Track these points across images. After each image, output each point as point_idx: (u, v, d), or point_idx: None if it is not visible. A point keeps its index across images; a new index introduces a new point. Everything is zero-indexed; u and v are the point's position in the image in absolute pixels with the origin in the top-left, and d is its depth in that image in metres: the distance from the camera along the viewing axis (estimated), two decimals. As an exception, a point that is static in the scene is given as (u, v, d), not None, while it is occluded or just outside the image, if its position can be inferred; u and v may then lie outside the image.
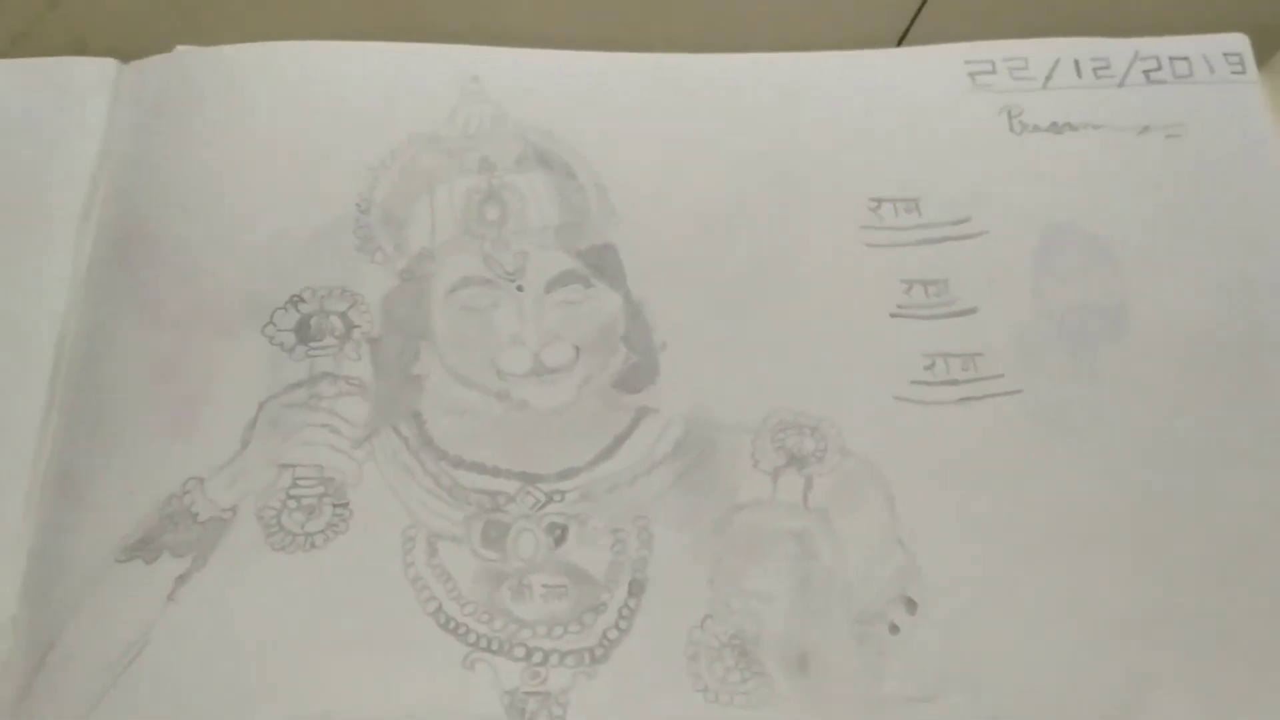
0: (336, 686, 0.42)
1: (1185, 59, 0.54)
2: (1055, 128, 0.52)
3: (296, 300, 0.48)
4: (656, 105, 0.52)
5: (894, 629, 0.43)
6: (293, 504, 0.45)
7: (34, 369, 0.47)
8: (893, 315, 0.48)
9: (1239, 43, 0.54)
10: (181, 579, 0.43)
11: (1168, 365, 0.47)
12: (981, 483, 0.45)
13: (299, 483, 0.45)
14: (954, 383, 0.47)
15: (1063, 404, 0.47)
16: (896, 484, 0.45)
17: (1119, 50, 0.54)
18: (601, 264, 0.49)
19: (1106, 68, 0.54)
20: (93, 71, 0.53)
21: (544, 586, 0.43)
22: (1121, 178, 0.51)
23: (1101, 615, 0.43)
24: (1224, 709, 0.42)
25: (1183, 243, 0.50)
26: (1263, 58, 0.54)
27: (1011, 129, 0.52)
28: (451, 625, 0.43)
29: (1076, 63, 0.54)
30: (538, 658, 0.43)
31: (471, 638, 0.43)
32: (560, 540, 0.44)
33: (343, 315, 0.48)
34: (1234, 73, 0.53)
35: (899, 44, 0.56)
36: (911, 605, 0.43)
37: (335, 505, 0.45)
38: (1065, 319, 0.48)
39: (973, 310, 0.49)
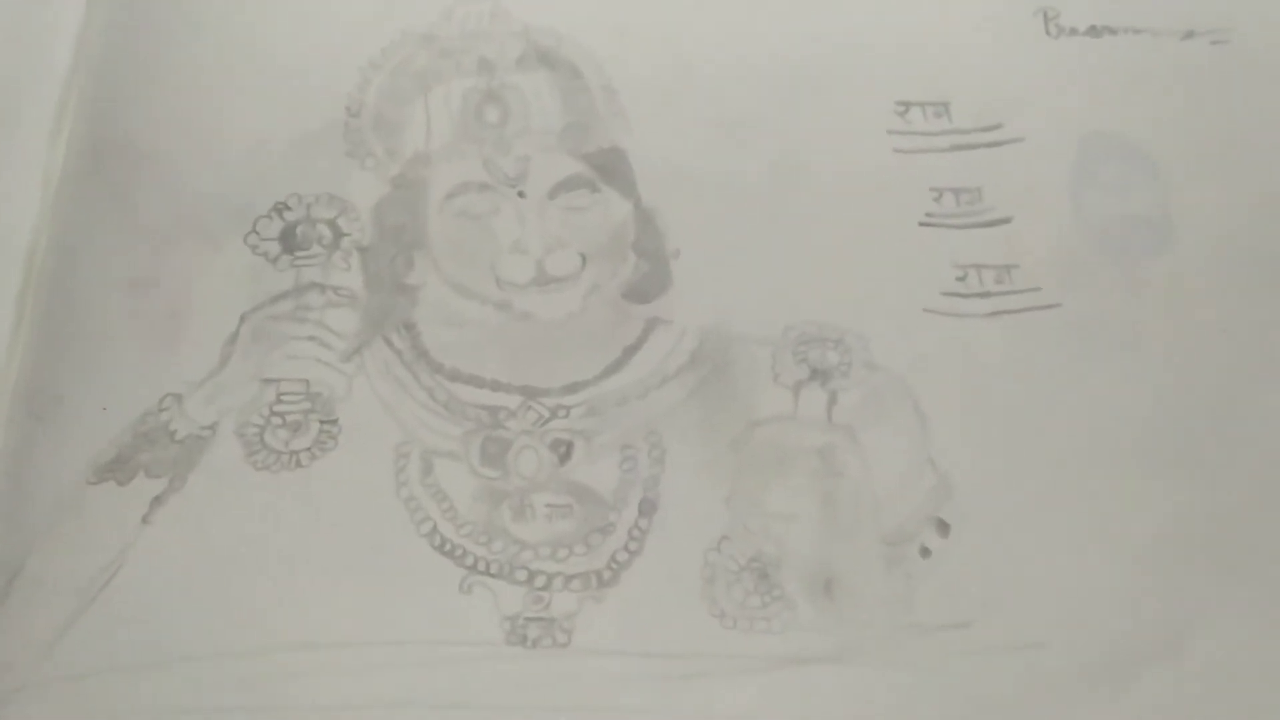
0: (323, 613, 0.40)
1: (1230, -39, 0.52)
2: (1094, 31, 0.50)
3: (281, 208, 0.46)
4: (670, 2, 0.50)
5: (925, 552, 0.41)
6: (277, 420, 0.43)
7: (2, 282, 0.45)
8: (922, 224, 0.46)
9: (1288, -57, 0.52)
10: (158, 500, 0.42)
11: (1213, 279, 0.46)
12: (1017, 400, 0.44)
13: (283, 398, 0.43)
14: (987, 295, 0.45)
15: (1103, 319, 0.45)
16: (926, 400, 0.43)
17: (1162, -49, 0.52)
18: (609, 168, 0.47)
19: None
20: None
21: (547, 506, 0.42)
22: (1164, 84, 0.49)
23: (1145, 540, 0.42)
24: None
25: (1229, 152, 0.48)
26: (1313, -40, 0.52)
27: (1048, 31, 0.50)
28: (447, 547, 0.41)
29: (1116, -38, 0.52)
30: (540, 581, 0.41)
31: (469, 560, 0.41)
32: (565, 457, 0.42)
33: (331, 223, 0.46)
34: (1282, -23, 0.51)
35: (927, -58, 0.54)
36: (944, 527, 0.42)
37: (322, 421, 0.43)
38: (1107, 230, 0.46)
39: (1007, 220, 0.47)
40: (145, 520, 0.41)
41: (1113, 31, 0.50)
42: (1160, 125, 0.48)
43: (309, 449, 0.42)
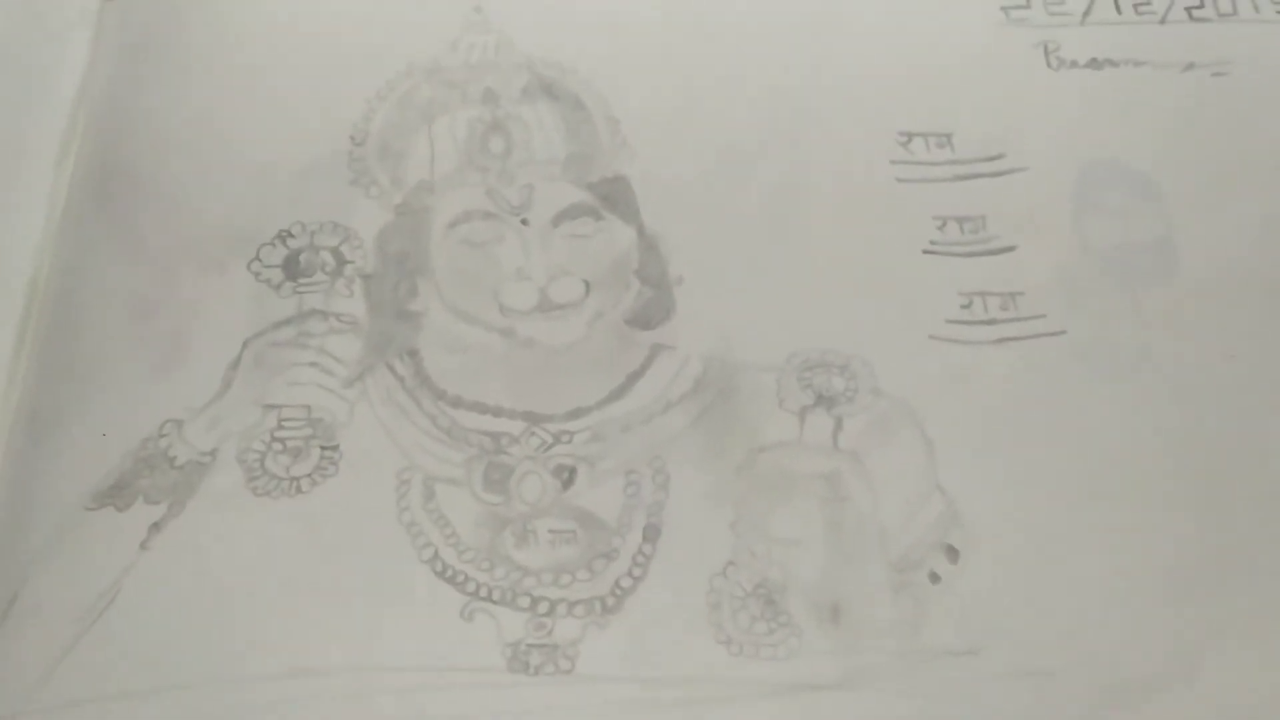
0: (323, 639, 0.39)
1: (1230, -3, 0.52)
2: (1095, 64, 0.50)
3: (285, 235, 0.46)
4: (673, 34, 0.50)
5: (934, 578, 0.40)
6: (278, 446, 0.42)
7: (4, 307, 0.45)
8: (925, 252, 0.46)
9: (1285, -20, 0.52)
10: (156, 526, 0.41)
11: (1218, 305, 0.45)
12: (1024, 426, 0.43)
13: (285, 424, 0.43)
14: (993, 322, 0.45)
15: (1108, 345, 0.44)
16: (934, 426, 0.43)
17: (1160, -13, 0.52)
18: (613, 197, 0.47)
19: (1148, 4, 0.51)
20: (74, 7, 0.51)
21: (550, 532, 0.41)
22: (1165, 115, 0.49)
23: (1154, 566, 0.41)
24: (1294, 664, 0.39)
25: (1231, 180, 0.48)
26: (1311, -4, 0.52)
27: (1049, 64, 0.50)
28: (449, 573, 0.40)
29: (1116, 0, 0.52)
30: (543, 608, 0.40)
31: (471, 586, 0.40)
32: (568, 483, 0.42)
33: (334, 250, 0.46)
34: (1279, 12, 0.51)
35: (929, -23, 0.54)
36: (953, 553, 0.41)
37: (324, 447, 0.42)
38: (1111, 257, 0.46)
39: (1011, 248, 0.46)
40: (143, 546, 0.41)
41: (1114, 64, 0.50)
42: (1162, 154, 0.48)
43: (310, 475, 0.42)
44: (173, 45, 0.50)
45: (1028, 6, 0.51)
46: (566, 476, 0.42)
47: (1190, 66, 0.50)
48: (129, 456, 0.42)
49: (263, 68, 0.49)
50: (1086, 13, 0.51)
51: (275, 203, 0.47)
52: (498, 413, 0.43)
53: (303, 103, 0.49)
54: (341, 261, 0.45)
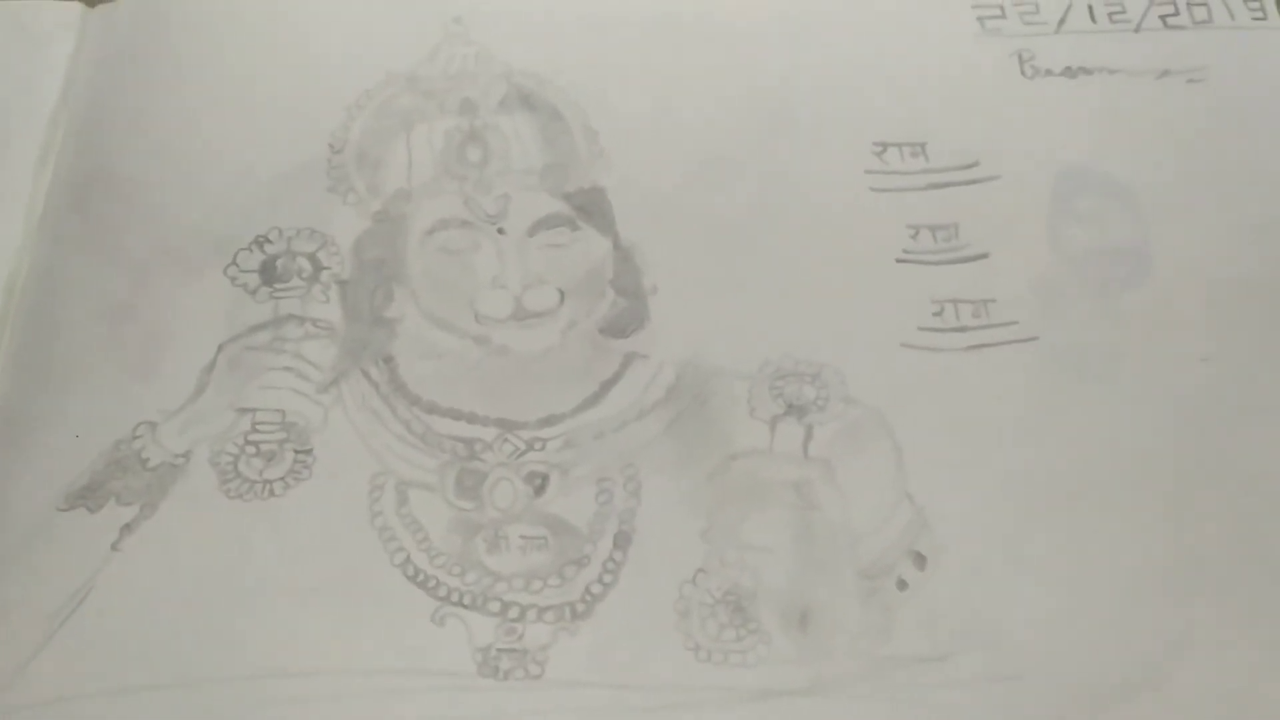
0: (294, 641, 0.39)
1: (1204, 4, 0.52)
2: (1069, 72, 0.50)
3: (262, 241, 0.46)
4: (650, 44, 0.50)
5: (902, 585, 0.40)
6: (251, 450, 0.42)
7: None
8: (898, 260, 0.46)
9: (1259, -13, 0.52)
10: (128, 528, 0.41)
11: (1193, 311, 0.45)
12: (995, 433, 0.43)
13: (258, 428, 0.43)
14: (964, 329, 0.45)
15: (1081, 351, 0.44)
16: (904, 434, 0.43)
17: (1135, -5, 0.52)
18: (589, 207, 0.47)
19: (1122, 12, 0.52)
20: (56, 15, 0.52)
21: (522, 538, 0.41)
22: (1141, 122, 0.49)
23: (1126, 571, 0.41)
24: (1266, 668, 0.39)
25: (1206, 186, 0.48)
26: (1284, 3, 0.52)
27: (1023, 73, 0.50)
28: (420, 578, 0.40)
29: (1090, 8, 0.52)
30: (514, 613, 0.40)
31: (442, 591, 0.40)
32: (540, 490, 0.42)
33: (311, 256, 0.46)
34: (1254, 19, 0.51)
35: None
36: (920, 560, 0.40)
37: (297, 451, 0.42)
38: (1084, 263, 0.46)
39: (984, 255, 0.46)
40: (115, 547, 0.40)
41: (1088, 72, 0.50)
42: (1136, 161, 0.48)
43: (283, 478, 0.41)
44: (154, 53, 0.50)
45: (1002, 16, 0.51)
46: (539, 483, 0.42)
47: (1165, 73, 0.50)
48: (102, 458, 0.42)
49: (243, 75, 0.49)
50: (1061, 21, 0.51)
51: (253, 208, 0.46)
52: (471, 419, 0.43)
53: (282, 110, 0.48)
54: (318, 267, 0.45)
